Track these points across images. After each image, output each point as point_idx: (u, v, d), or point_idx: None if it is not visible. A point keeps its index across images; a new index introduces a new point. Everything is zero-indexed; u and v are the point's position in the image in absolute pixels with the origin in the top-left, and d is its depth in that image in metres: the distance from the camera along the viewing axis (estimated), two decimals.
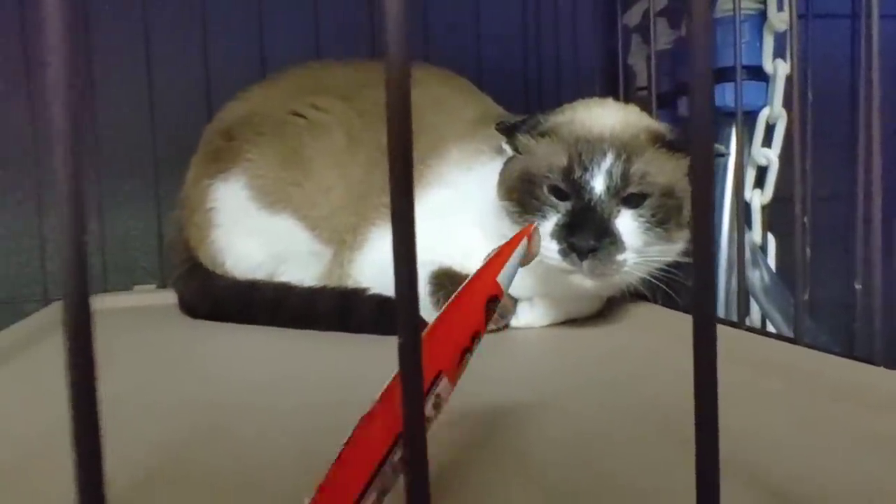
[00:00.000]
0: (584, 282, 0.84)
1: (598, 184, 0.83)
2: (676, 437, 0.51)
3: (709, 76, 0.26)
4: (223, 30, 1.36)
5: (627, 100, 1.16)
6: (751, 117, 1.04)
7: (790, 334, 0.99)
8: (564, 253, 0.82)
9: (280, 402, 0.65)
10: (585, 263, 0.81)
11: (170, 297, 1.15)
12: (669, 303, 0.96)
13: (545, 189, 0.86)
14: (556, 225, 0.84)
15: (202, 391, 0.71)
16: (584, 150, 0.84)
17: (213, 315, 1.06)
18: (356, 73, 1.15)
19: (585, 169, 0.83)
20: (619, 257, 0.82)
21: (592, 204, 0.83)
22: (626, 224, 0.83)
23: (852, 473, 0.45)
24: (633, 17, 1.27)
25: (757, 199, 1.05)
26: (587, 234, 0.81)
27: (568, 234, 0.82)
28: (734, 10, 0.88)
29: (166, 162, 1.30)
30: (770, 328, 1.03)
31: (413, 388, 0.27)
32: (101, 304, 1.19)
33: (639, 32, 1.25)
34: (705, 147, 0.27)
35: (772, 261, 1.06)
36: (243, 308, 1.03)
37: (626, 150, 0.84)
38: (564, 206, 0.85)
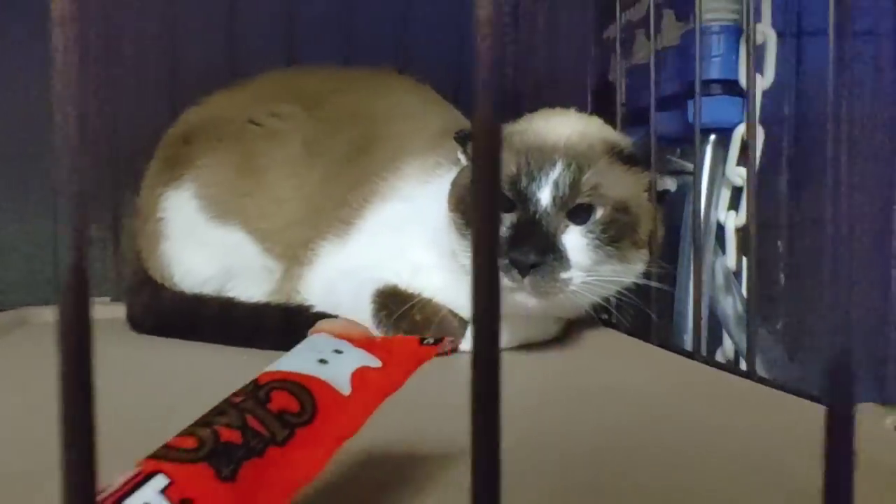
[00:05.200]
0: (527, 300, 0.79)
1: (545, 195, 0.78)
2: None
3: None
4: (191, 30, 1.31)
5: (613, 116, 1.11)
6: (725, 134, 0.99)
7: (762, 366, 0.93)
8: (505, 269, 0.77)
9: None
10: (527, 280, 0.76)
11: (123, 311, 1.10)
12: (633, 330, 0.90)
13: None
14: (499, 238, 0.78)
15: (115, 411, 0.65)
16: (533, 159, 0.79)
17: (157, 330, 1.01)
18: (325, 80, 1.11)
19: (532, 178, 0.78)
20: (564, 275, 0.77)
21: (537, 217, 0.78)
22: (574, 240, 0.78)
23: None
24: (613, 30, 1.21)
25: (731, 221, 0.99)
26: (529, 248, 0.75)
27: (509, 249, 0.77)
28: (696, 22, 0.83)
29: (126, 167, 1.26)
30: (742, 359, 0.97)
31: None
32: (50, 315, 1.16)
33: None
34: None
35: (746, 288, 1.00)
36: (188, 324, 0.98)
37: (576, 160, 0.79)
38: (510, 217, 0.80)
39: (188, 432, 0.31)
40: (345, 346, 0.38)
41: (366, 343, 0.38)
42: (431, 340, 0.39)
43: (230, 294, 1.03)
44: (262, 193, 1.01)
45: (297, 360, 0.36)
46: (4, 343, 0.98)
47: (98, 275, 1.29)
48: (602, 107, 1.25)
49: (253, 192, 1.01)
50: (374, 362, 0.37)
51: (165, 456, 0.29)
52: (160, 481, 0.28)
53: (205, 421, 0.31)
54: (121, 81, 1.30)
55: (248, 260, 1.02)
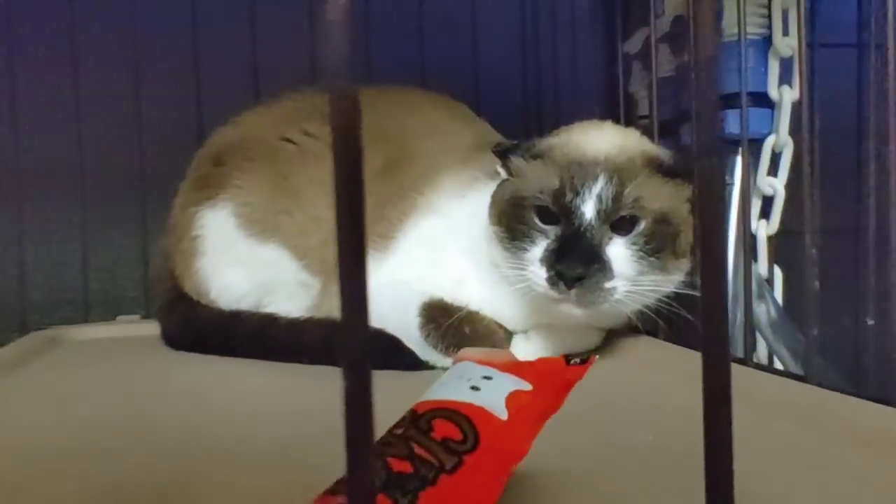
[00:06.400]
0: (573, 311, 0.80)
1: (589, 208, 0.79)
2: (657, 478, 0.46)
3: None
4: (215, 49, 1.33)
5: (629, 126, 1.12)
6: (756, 145, 1.01)
7: (798, 371, 0.94)
8: (552, 281, 0.78)
9: (245, 441, 0.61)
10: (573, 292, 0.77)
11: (154, 328, 1.11)
12: (673, 337, 0.91)
13: (534, 213, 0.82)
14: (545, 251, 0.80)
15: (160, 428, 0.66)
16: (576, 173, 0.80)
17: (194, 346, 1.01)
18: None
19: (576, 192, 0.79)
20: (608, 285, 0.78)
21: (582, 229, 0.79)
22: (618, 251, 0.79)
23: None
24: (633, 44, 1.24)
25: (763, 230, 1.01)
26: (575, 261, 0.77)
27: (556, 261, 0.78)
28: (739, 34, 0.85)
29: (154, 186, 1.27)
30: (777, 365, 0.98)
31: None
32: (81, 334, 1.17)
33: (640, 59, 1.22)
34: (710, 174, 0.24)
35: (778, 294, 1.01)
36: (225, 339, 0.99)
37: (618, 173, 0.80)
38: (554, 230, 0.81)
39: None
40: (492, 371, 0.38)
41: (513, 367, 0.39)
42: (578, 360, 0.40)
43: (267, 310, 1.03)
44: (300, 212, 1.02)
45: (449, 389, 0.36)
46: (42, 362, 0.99)
47: (129, 293, 1.30)
48: (618, 118, 1.28)
49: (290, 210, 1.02)
50: (525, 386, 0.37)
51: (342, 491, 0.29)
52: None
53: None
54: (146, 105, 1.31)
55: (286, 275, 1.02)
